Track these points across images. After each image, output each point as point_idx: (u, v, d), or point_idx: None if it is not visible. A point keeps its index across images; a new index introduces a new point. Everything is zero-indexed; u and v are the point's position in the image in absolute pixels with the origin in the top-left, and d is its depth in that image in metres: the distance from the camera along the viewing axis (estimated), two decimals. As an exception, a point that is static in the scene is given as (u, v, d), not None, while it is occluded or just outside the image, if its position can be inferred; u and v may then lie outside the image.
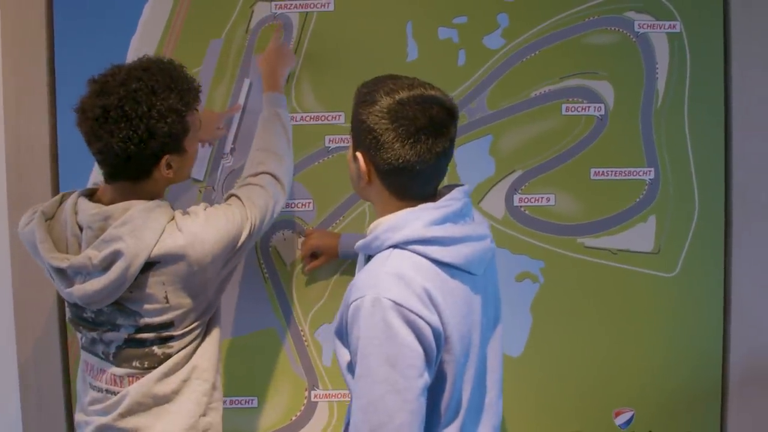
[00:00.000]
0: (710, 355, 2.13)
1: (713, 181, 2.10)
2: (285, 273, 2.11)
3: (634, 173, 2.10)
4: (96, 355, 1.63)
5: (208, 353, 1.66)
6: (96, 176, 2.04)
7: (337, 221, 2.11)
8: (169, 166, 1.56)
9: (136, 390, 1.58)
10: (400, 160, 1.33)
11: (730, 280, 2.11)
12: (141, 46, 2.07)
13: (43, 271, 1.63)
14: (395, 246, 1.34)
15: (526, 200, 2.10)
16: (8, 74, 2.06)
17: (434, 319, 1.28)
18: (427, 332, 1.27)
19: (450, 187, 1.45)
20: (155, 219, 1.52)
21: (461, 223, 1.39)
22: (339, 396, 2.13)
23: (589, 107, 2.09)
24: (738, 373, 2.11)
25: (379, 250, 1.36)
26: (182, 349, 1.62)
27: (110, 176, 1.57)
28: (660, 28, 2.08)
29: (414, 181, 1.37)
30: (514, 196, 2.10)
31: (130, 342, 1.58)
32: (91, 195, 1.61)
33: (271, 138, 1.83)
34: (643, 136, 2.09)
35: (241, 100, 2.08)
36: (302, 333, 2.12)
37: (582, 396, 2.13)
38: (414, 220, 1.34)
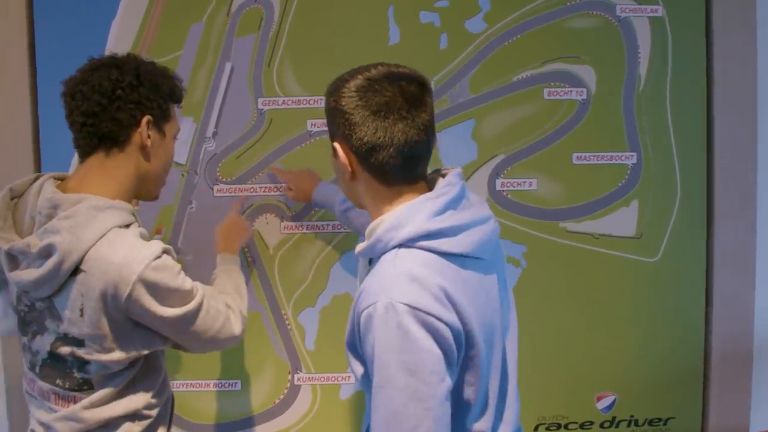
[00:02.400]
0: (691, 339, 2.14)
1: (695, 166, 2.11)
2: (268, 257, 2.12)
3: (617, 158, 2.10)
4: (25, 365, 1.54)
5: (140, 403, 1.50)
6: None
7: (320, 206, 2.11)
8: (148, 134, 1.47)
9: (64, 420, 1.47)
10: (378, 136, 1.26)
11: (711, 265, 2.11)
12: (122, 29, 2.06)
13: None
14: (400, 245, 1.26)
15: (508, 184, 2.10)
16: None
17: (453, 318, 1.21)
18: (447, 334, 1.19)
19: (437, 172, 1.39)
20: (100, 220, 1.39)
21: (461, 208, 1.31)
22: (322, 379, 2.13)
23: (571, 91, 2.09)
24: (719, 356, 2.12)
25: (383, 252, 1.28)
26: (105, 383, 1.46)
27: (85, 141, 1.46)
28: (642, 12, 2.08)
29: (402, 160, 1.28)
30: (497, 180, 2.10)
31: (53, 357, 1.45)
32: (61, 180, 1.52)
33: (228, 283, 1.70)
34: (626, 121, 2.09)
35: (223, 84, 2.08)
36: (285, 317, 2.12)
37: (564, 381, 2.14)
38: (414, 215, 1.26)
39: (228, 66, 2.08)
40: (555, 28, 2.08)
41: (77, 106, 1.45)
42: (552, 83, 2.09)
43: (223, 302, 1.55)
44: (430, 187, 1.35)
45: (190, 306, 1.44)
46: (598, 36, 2.08)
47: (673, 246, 2.11)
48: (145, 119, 1.47)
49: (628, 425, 2.16)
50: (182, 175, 2.10)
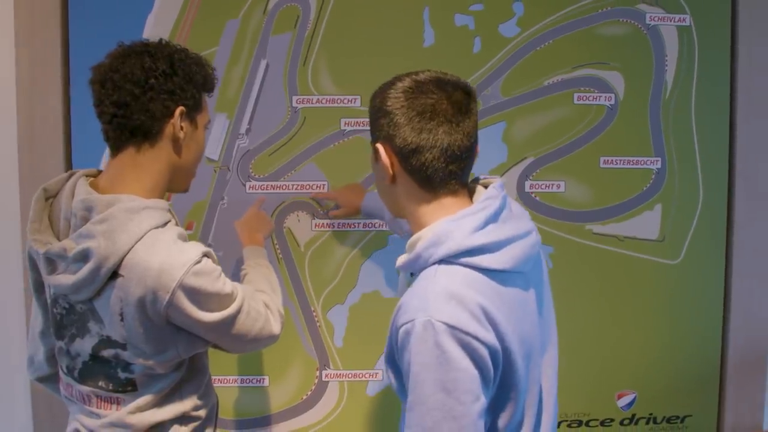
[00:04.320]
0: (710, 340, 2.20)
1: (717, 172, 2.17)
2: (298, 254, 2.13)
3: (642, 162, 2.15)
4: (61, 368, 1.51)
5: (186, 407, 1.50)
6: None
7: (350, 204, 2.12)
8: (181, 126, 1.43)
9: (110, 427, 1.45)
10: (423, 138, 1.27)
11: (731, 269, 2.17)
12: (157, 24, 2.06)
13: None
14: (440, 261, 1.25)
15: (537, 186, 2.14)
16: (22, 50, 2.04)
17: (490, 337, 1.20)
18: (483, 353, 1.19)
19: (477, 181, 1.40)
20: (136, 222, 1.35)
21: (502, 220, 1.30)
22: (350, 376, 2.15)
23: (599, 97, 2.13)
24: (736, 358, 2.18)
25: (423, 268, 1.27)
26: (150, 385, 1.45)
27: (116, 135, 1.42)
28: (670, 21, 2.13)
29: (444, 164, 1.28)
30: (526, 182, 2.14)
31: (96, 359, 1.43)
32: (94, 176, 1.49)
33: (262, 280, 1.67)
34: (651, 127, 2.14)
35: (258, 81, 2.09)
36: (314, 313, 2.14)
37: (586, 379, 2.19)
38: (454, 230, 1.25)
39: (263, 63, 2.09)
40: (586, 35, 2.12)
41: (107, 96, 1.39)
42: (581, 88, 2.13)
43: (262, 302, 1.53)
44: (471, 197, 1.36)
45: (231, 309, 1.42)
46: (627, 43, 2.13)
47: (694, 249, 2.17)
48: (178, 110, 1.42)
49: (647, 423, 2.21)
50: (215, 171, 2.10)
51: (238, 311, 1.44)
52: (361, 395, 2.17)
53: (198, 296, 1.36)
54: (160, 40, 1.47)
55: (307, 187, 2.12)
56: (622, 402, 2.20)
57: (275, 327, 1.53)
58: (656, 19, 2.12)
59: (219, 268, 1.42)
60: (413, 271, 1.31)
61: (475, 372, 1.18)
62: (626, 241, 2.16)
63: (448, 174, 1.30)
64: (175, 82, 1.41)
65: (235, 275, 1.84)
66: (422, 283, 1.24)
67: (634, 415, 2.21)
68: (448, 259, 1.24)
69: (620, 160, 2.15)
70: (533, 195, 2.14)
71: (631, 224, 2.16)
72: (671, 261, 2.17)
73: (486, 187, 1.37)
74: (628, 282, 2.17)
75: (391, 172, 1.32)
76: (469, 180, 1.39)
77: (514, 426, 1.31)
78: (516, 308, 1.28)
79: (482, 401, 1.20)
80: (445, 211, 1.31)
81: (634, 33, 2.13)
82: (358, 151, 2.11)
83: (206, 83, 1.49)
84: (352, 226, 2.13)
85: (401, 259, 1.32)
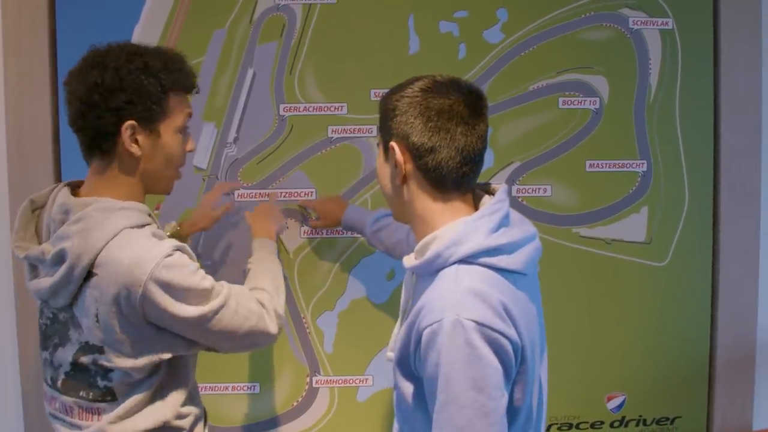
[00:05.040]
0: (698, 341, 2.21)
1: (702, 173, 2.18)
2: (287, 261, 2.14)
3: (628, 165, 2.16)
4: (46, 381, 1.50)
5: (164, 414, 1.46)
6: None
7: (338, 210, 2.13)
8: (135, 139, 1.39)
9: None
10: (441, 137, 1.28)
11: (717, 270, 2.18)
12: (144, 34, 2.07)
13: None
14: (460, 261, 1.26)
15: (523, 191, 2.16)
16: (10, 59, 2.05)
17: (513, 334, 1.22)
18: (509, 349, 1.21)
19: (479, 186, 1.40)
20: (111, 221, 1.35)
21: (512, 225, 1.33)
22: (340, 382, 2.16)
23: (584, 101, 2.15)
24: (724, 358, 2.19)
25: (443, 267, 1.27)
26: (129, 393, 1.43)
27: (82, 148, 1.44)
28: (653, 24, 2.14)
29: (457, 164, 1.29)
30: (513, 186, 2.15)
31: (76, 368, 1.42)
32: (78, 186, 1.49)
33: (264, 277, 1.64)
34: (636, 130, 2.16)
35: (245, 90, 2.10)
36: (304, 320, 2.15)
37: (575, 381, 2.20)
38: (474, 230, 1.26)
39: (250, 72, 2.10)
40: (570, 40, 2.14)
41: (67, 111, 1.42)
42: (566, 93, 2.14)
43: (256, 301, 1.51)
44: (476, 202, 1.37)
45: (212, 305, 1.39)
46: (611, 47, 2.14)
47: (681, 251, 2.18)
48: (124, 127, 1.38)
49: (637, 425, 2.22)
50: (203, 179, 2.11)
51: (221, 307, 1.41)
52: (352, 401, 2.18)
53: (172, 290, 1.34)
54: (126, 42, 1.45)
55: (296, 194, 2.13)
56: (612, 404, 2.21)
57: (270, 326, 1.51)
58: (639, 23, 2.14)
59: (195, 264, 1.41)
60: (430, 271, 1.30)
61: (500, 368, 1.20)
62: (613, 243, 2.17)
63: (461, 176, 1.31)
64: (120, 98, 1.37)
65: (232, 278, 1.84)
66: (444, 283, 1.25)
67: (623, 417, 2.22)
68: (467, 259, 1.25)
69: (606, 164, 2.16)
70: (520, 199, 2.16)
71: (617, 227, 2.18)
72: (658, 263, 2.18)
73: (487, 192, 1.40)
74: (616, 284, 2.18)
75: (403, 171, 1.32)
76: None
77: (521, 423, 1.32)
78: (526, 308, 1.30)
79: (506, 396, 1.22)
80: (455, 213, 1.32)
81: (617, 37, 2.14)
82: (346, 159, 2.12)
83: (175, 84, 1.44)
84: (341, 233, 2.14)
85: (412, 261, 1.33)
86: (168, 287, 1.34)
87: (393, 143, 1.32)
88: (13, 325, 2.11)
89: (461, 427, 1.18)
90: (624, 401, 2.21)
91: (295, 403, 2.17)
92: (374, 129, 2.08)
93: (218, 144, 2.11)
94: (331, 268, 2.15)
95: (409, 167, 1.32)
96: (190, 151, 1.53)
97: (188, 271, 1.37)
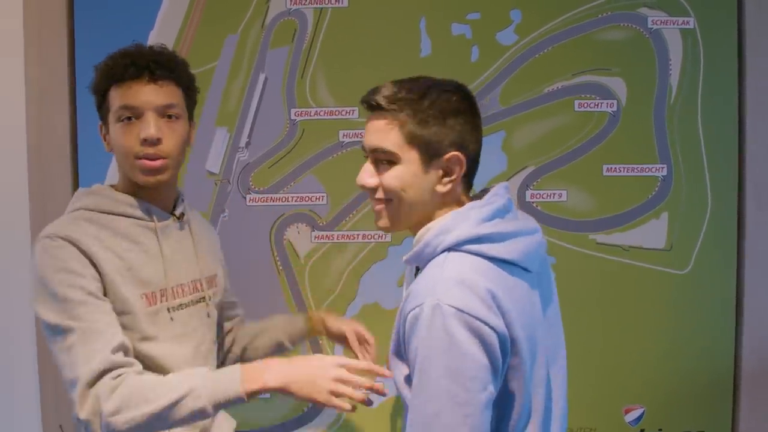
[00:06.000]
0: (722, 352, 2.12)
1: (726, 178, 2.10)
2: (298, 265, 2.14)
3: (647, 170, 2.10)
4: None
5: None
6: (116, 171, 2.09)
7: (351, 215, 2.13)
8: (104, 136, 1.50)
9: None
10: (479, 139, 1.33)
11: (742, 278, 2.10)
12: (159, 40, 2.07)
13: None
14: (449, 249, 1.26)
15: (538, 196, 2.11)
16: (31, 67, 2.10)
17: (500, 324, 1.18)
18: (493, 340, 1.17)
19: (484, 191, 1.40)
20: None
21: (508, 219, 1.32)
22: (350, 388, 2.14)
23: (601, 103, 2.09)
24: (749, 370, 2.10)
25: (432, 257, 1.27)
26: None
27: None
28: (673, 24, 2.08)
29: (475, 170, 1.36)
30: (527, 191, 2.11)
31: None
32: None
33: (176, 383, 1.32)
34: (656, 133, 2.09)
35: (257, 95, 2.11)
36: (315, 325, 2.14)
37: (592, 393, 2.13)
38: (463, 220, 1.26)
39: (262, 77, 2.11)
40: (586, 40, 2.09)
41: None
42: (582, 95, 2.09)
43: (95, 372, 1.29)
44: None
45: (55, 320, 1.32)
46: (628, 48, 2.09)
47: (704, 258, 2.11)
48: (99, 126, 1.51)
49: (657, 438, 2.15)
50: (215, 184, 2.13)
51: (58, 331, 1.32)
52: (363, 407, 2.15)
53: (35, 269, 1.36)
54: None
55: (307, 198, 2.13)
56: (630, 417, 2.14)
57: (83, 406, 1.29)
58: (659, 22, 2.08)
59: (82, 268, 1.36)
60: (420, 263, 1.30)
61: (484, 360, 1.17)
62: (631, 250, 2.11)
63: (474, 172, 1.37)
64: (95, 100, 1.48)
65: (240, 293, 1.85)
66: (431, 270, 1.25)
67: (642, 431, 2.14)
68: (455, 247, 1.25)
69: (624, 168, 2.10)
70: (534, 204, 2.11)
71: (636, 233, 2.11)
72: (679, 271, 2.11)
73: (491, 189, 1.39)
74: (635, 293, 2.12)
75: (458, 179, 1.30)
76: (477, 191, 1.41)
77: (520, 426, 1.29)
78: (522, 301, 1.26)
79: (490, 391, 1.18)
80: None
81: (635, 37, 2.08)
82: (357, 163, 2.06)
83: (108, 76, 1.45)
84: (352, 237, 2.13)
85: (409, 254, 1.33)
86: (34, 266, 1.36)
87: (456, 154, 1.28)
88: (32, 328, 2.15)
89: (430, 414, 1.16)
90: (643, 414, 2.14)
91: (306, 408, 2.16)
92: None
93: (230, 148, 2.12)
94: (342, 273, 2.14)
95: (459, 174, 1.31)
96: (144, 139, 1.42)
97: (55, 267, 1.35)
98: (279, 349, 1.77)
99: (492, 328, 1.17)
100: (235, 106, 2.12)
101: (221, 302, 1.68)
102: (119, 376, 1.30)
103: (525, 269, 1.30)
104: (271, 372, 1.31)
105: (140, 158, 1.42)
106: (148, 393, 1.28)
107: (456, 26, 2.10)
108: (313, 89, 2.11)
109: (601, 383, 2.14)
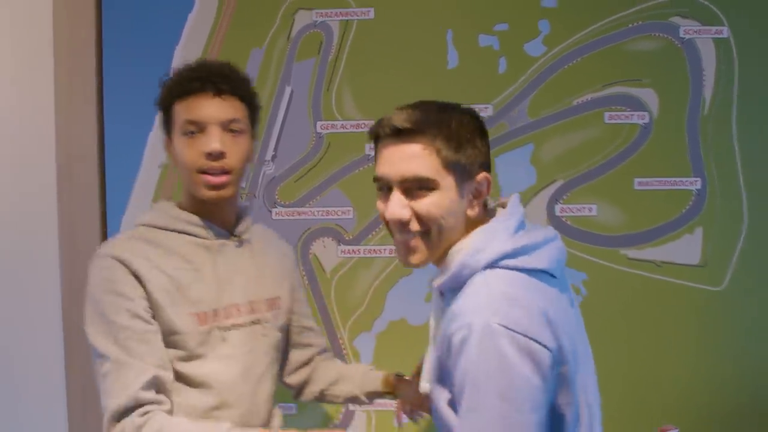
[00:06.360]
0: (760, 372, 2.06)
1: (763, 191, 2.04)
2: (324, 280, 2.12)
3: (680, 183, 2.05)
4: None
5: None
6: (143, 180, 2.12)
7: (377, 230, 2.11)
8: (169, 150, 1.51)
9: None
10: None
11: (781, 295, 2.04)
12: (185, 54, 2.10)
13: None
14: (485, 267, 1.22)
15: (567, 210, 2.07)
16: (61, 81, 2.12)
17: (550, 338, 1.15)
18: (544, 357, 1.14)
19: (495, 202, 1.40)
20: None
21: (528, 229, 1.30)
22: (377, 405, 2.10)
23: (632, 115, 2.05)
24: (789, 390, 2.04)
25: (467, 278, 1.23)
26: None
27: None
28: (706, 33, 2.03)
29: None
30: (556, 206, 2.07)
31: None
32: None
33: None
34: (689, 145, 2.04)
35: (282, 108, 2.10)
36: (341, 341, 2.12)
37: (625, 412, 2.07)
38: (494, 236, 1.24)
39: (288, 90, 2.10)
40: (616, 51, 2.05)
41: None
42: (613, 107, 2.05)
43: (144, 414, 1.31)
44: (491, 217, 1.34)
45: (98, 343, 1.35)
46: (660, 58, 2.04)
47: (740, 274, 2.04)
48: (164, 141, 1.52)
49: (692, 460, 2.08)
50: (240, 197, 2.12)
51: (102, 357, 1.34)
52: (389, 425, 2.13)
53: (88, 284, 1.39)
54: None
55: (333, 213, 2.11)
56: (665, 437, 2.08)
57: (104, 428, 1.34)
58: (691, 32, 2.03)
59: (126, 291, 1.37)
60: (457, 285, 1.25)
61: (536, 379, 1.13)
62: (664, 266, 2.06)
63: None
64: (161, 115, 1.49)
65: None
66: (474, 289, 1.20)
67: (677, 451, 2.08)
68: (492, 264, 1.21)
69: (656, 181, 2.05)
70: (564, 219, 2.07)
71: (669, 248, 2.06)
72: (714, 287, 2.05)
73: (502, 207, 1.36)
74: (667, 309, 2.06)
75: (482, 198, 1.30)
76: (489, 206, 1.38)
77: None
78: (561, 308, 1.24)
79: (542, 413, 1.15)
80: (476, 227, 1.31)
81: (667, 47, 2.04)
82: None
83: (171, 92, 1.46)
84: (379, 252, 2.10)
85: (439, 279, 1.29)
86: (89, 282, 1.40)
87: (485, 174, 1.28)
88: (59, 334, 2.15)
89: None
90: (677, 434, 2.08)
91: (331, 426, 2.13)
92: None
93: (256, 162, 2.11)
94: (368, 288, 2.12)
95: (486, 195, 1.31)
96: (208, 153, 1.42)
97: (103, 289, 1.37)
98: (355, 401, 1.75)
99: (543, 344, 1.14)
100: (260, 119, 2.10)
101: (290, 327, 1.66)
102: (146, 413, 1.31)
103: (553, 276, 1.27)
104: None
105: (203, 172, 1.42)
106: None
107: (483, 37, 2.07)
108: (339, 102, 2.10)
109: (634, 402, 2.08)
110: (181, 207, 1.49)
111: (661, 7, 2.04)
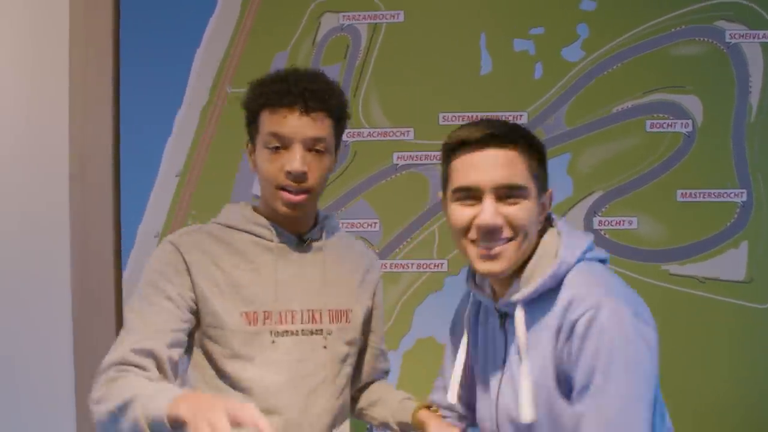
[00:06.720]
0: (807, 393, 1.98)
1: (813, 204, 1.97)
2: (349, 296, 2.04)
3: (725, 195, 1.99)
4: None
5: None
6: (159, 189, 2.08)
7: (404, 243, 2.05)
8: (252, 156, 1.46)
9: None
10: None
11: (830, 313, 1.96)
12: (205, 59, 2.06)
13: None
14: (578, 261, 1.24)
15: (606, 223, 2.01)
16: (77, 84, 2.08)
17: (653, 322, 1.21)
18: (655, 334, 1.18)
19: None
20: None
21: None
22: (404, 426, 2.03)
23: (675, 123, 2.00)
24: (839, 414, 1.96)
25: (567, 272, 1.24)
26: None
27: None
28: (754, 38, 1.98)
29: None
30: (594, 218, 2.02)
31: None
32: None
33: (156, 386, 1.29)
34: (735, 155, 1.99)
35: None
36: (366, 359, 2.04)
37: None
38: (570, 235, 1.27)
39: (312, 96, 2.03)
40: (658, 56, 2.00)
41: None
42: (654, 115, 2.00)
43: (121, 371, 1.28)
44: None
45: (126, 309, 1.41)
46: (704, 64, 1.99)
47: (787, 292, 1.97)
48: (246, 143, 1.47)
49: (736, 484, 2.00)
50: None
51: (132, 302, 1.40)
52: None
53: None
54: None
55: (359, 225, 2.04)
56: (707, 460, 2.00)
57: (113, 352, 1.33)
58: (737, 36, 1.97)
59: (173, 266, 1.39)
60: (555, 283, 1.23)
61: (655, 359, 1.17)
62: (708, 282, 1.99)
63: None
64: (246, 116, 1.44)
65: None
66: (581, 279, 1.22)
67: (719, 474, 2.00)
68: (581, 259, 1.24)
69: (700, 193, 2.00)
70: (603, 232, 2.01)
71: (713, 264, 2.00)
72: (760, 305, 1.98)
73: None
74: (711, 327, 2.00)
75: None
76: None
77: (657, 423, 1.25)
78: None
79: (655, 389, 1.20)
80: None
81: (712, 52, 1.98)
82: (412, 187, 2.03)
83: (258, 101, 1.41)
84: (406, 267, 2.03)
85: (520, 293, 1.24)
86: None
87: (551, 191, 1.30)
88: (69, 337, 2.12)
89: (617, 411, 1.14)
90: (720, 457, 1.99)
91: (362, 439, 2.05)
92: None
93: (278, 171, 2.04)
94: (395, 305, 2.05)
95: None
96: (288, 172, 1.36)
97: (160, 261, 1.40)
98: (387, 428, 1.66)
99: (652, 327, 1.18)
100: (283, 126, 2.04)
101: (361, 346, 1.59)
102: (123, 371, 1.29)
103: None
104: (186, 401, 1.13)
105: (282, 189, 1.38)
106: (120, 390, 1.24)
107: (518, 42, 2.02)
108: (366, 109, 2.04)
109: (676, 422, 1.99)
110: (257, 210, 1.47)
111: (706, 11, 1.99)
